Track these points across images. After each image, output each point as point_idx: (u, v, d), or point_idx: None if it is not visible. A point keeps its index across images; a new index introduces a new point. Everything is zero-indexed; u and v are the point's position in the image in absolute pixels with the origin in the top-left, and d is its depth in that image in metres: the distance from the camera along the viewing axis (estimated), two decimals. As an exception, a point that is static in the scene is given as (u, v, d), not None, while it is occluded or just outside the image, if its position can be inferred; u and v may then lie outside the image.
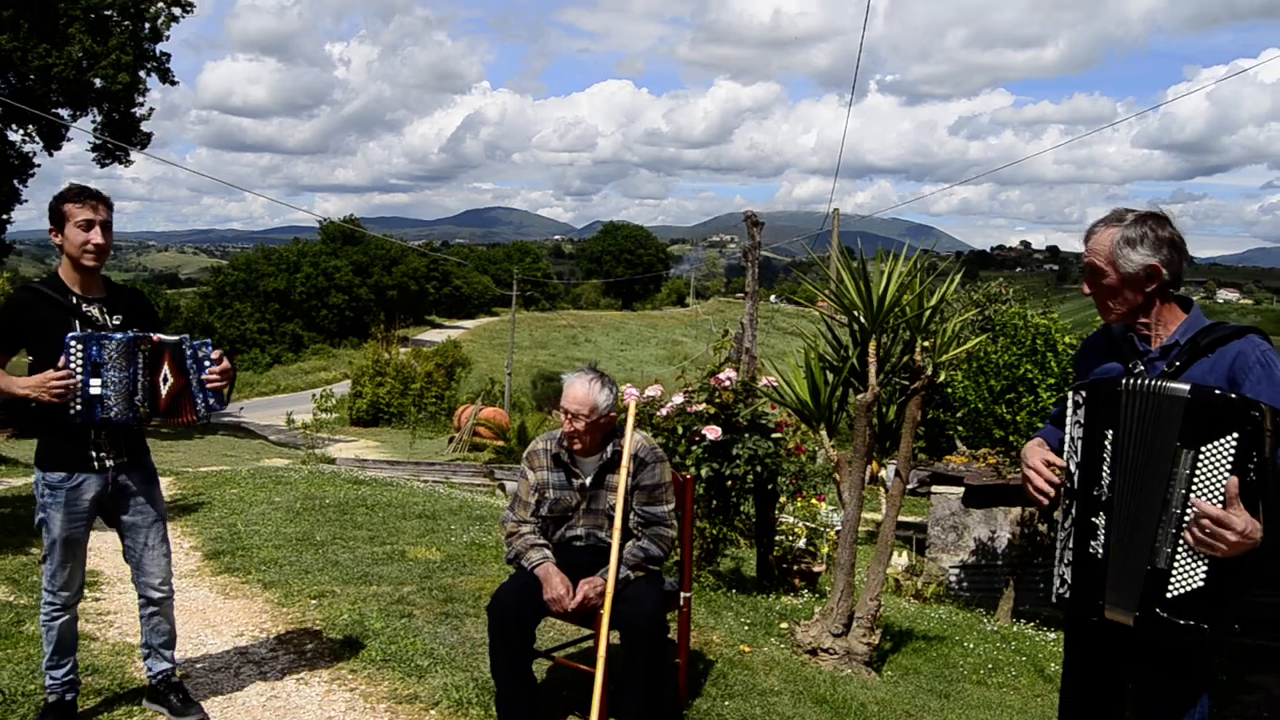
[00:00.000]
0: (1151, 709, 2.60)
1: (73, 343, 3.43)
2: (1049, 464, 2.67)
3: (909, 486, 18.00)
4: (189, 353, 3.63)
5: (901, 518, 16.86)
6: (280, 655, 4.66)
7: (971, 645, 7.02)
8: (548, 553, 3.75)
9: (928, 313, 5.48)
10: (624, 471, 3.74)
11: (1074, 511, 2.58)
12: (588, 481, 3.83)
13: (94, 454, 3.57)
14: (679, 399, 6.86)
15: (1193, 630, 2.36)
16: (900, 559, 12.21)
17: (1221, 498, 2.32)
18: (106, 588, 5.67)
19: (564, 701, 4.05)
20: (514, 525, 3.86)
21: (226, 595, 5.65)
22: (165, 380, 3.60)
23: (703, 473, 6.60)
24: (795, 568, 7.79)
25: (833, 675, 4.98)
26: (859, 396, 5.44)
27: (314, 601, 5.42)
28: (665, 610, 3.84)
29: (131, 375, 3.52)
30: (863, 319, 5.43)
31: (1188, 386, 2.40)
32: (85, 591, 3.98)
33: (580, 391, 3.74)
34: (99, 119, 28.93)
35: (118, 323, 3.64)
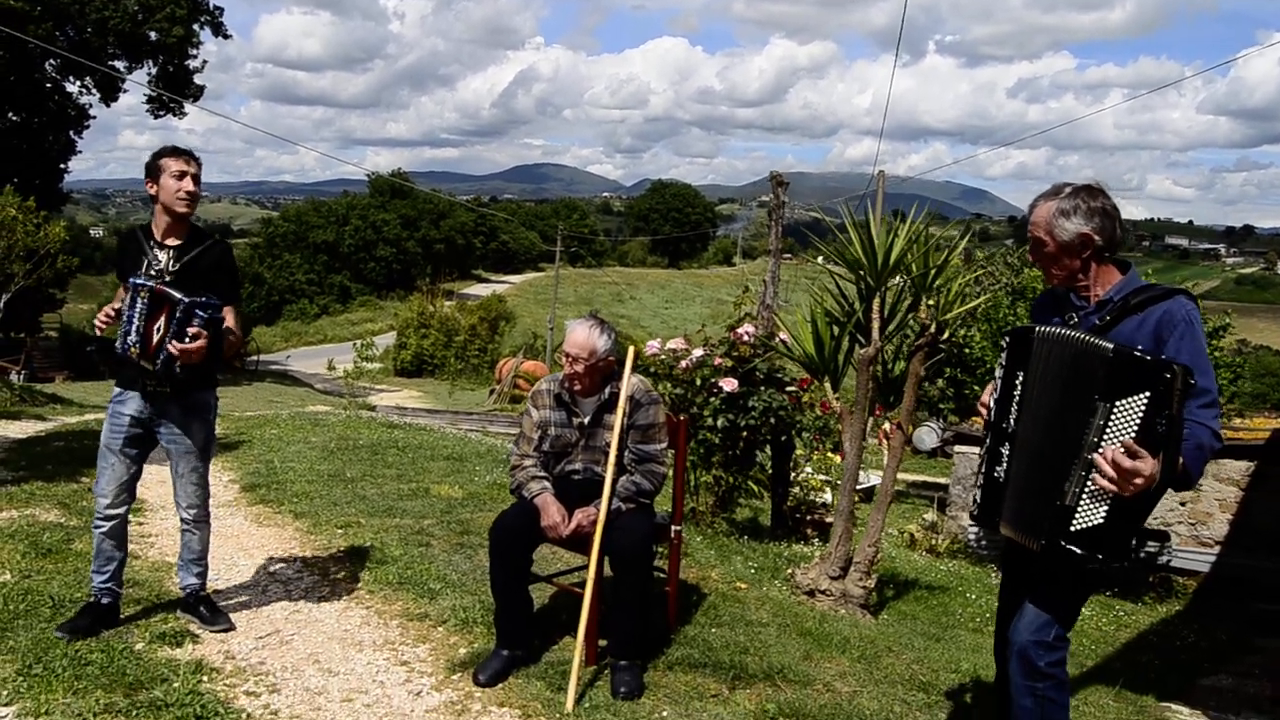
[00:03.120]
0: (1034, 594, 2.92)
1: (135, 282, 3.86)
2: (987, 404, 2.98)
3: (933, 447, 18.11)
4: (179, 315, 3.78)
5: (927, 478, 16.98)
6: (305, 576, 5.02)
7: (974, 597, 7.23)
8: (547, 484, 4.04)
9: (932, 272, 5.66)
10: (620, 412, 4.00)
11: (988, 440, 2.91)
12: (586, 420, 4.10)
13: (145, 380, 3.93)
14: (699, 352, 7.09)
15: (1089, 559, 2.64)
16: (929, 516, 12.36)
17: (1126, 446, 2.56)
18: (150, 514, 6.06)
19: (561, 623, 4.36)
20: (517, 459, 4.15)
21: (260, 523, 6.02)
22: (159, 330, 3.88)
23: (718, 423, 6.85)
24: (809, 518, 8.04)
25: (824, 614, 5.24)
26: (861, 350, 5.65)
27: (340, 531, 5.78)
28: (654, 540, 4.13)
29: (132, 316, 3.87)
30: (868, 277, 5.62)
31: (1112, 345, 2.64)
32: (131, 517, 4.31)
33: (581, 336, 4.01)
34: (154, 71, 29.48)
35: (175, 269, 3.97)
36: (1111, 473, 2.54)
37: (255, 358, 35.93)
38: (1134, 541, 2.70)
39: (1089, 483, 2.62)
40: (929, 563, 8.71)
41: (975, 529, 10.44)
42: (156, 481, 6.18)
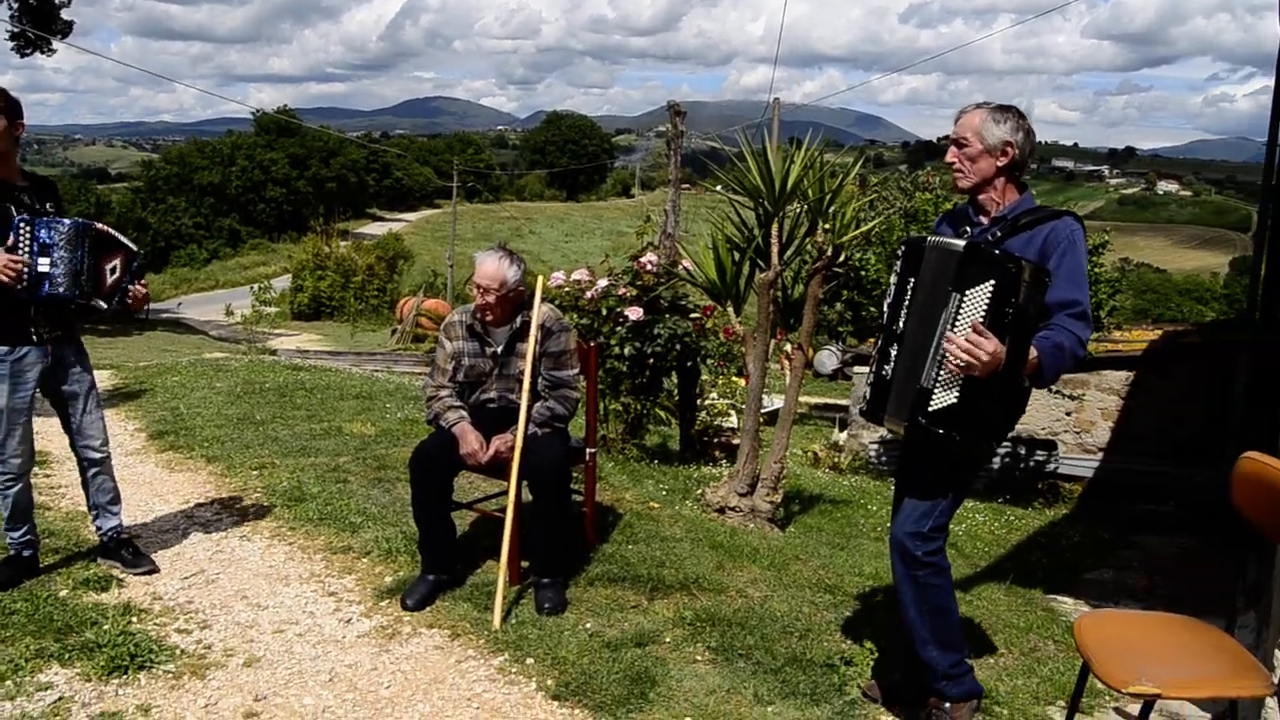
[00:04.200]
0: (912, 491, 3.16)
1: (21, 224, 3.72)
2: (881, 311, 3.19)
3: (833, 369, 18.59)
4: (136, 264, 4.00)
5: (829, 400, 17.43)
6: (224, 518, 5.06)
7: (875, 508, 7.58)
8: (464, 413, 4.15)
9: (828, 197, 5.84)
10: (532, 340, 4.11)
11: (879, 343, 3.12)
12: (499, 349, 4.21)
13: (33, 329, 3.87)
14: (604, 282, 7.20)
15: (947, 438, 2.87)
16: (839, 436, 12.74)
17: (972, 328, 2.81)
18: (55, 465, 5.98)
19: (484, 547, 4.51)
20: (433, 390, 4.24)
21: (172, 469, 6.00)
22: (113, 271, 3.92)
23: (625, 351, 6.99)
24: (716, 441, 8.29)
25: (735, 528, 5.47)
26: (761, 275, 5.83)
27: (255, 472, 5.80)
28: (570, 462, 4.29)
29: (79, 257, 3.82)
30: (766, 203, 5.79)
31: (963, 242, 2.89)
32: (36, 469, 4.29)
33: (490, 267, 4.09)
34: (15, 6, 27.92)
35: (51, 209, 3.92)
36: (957, 350, 2.77)
37: (145, 306, 34.73)
38: (1003, 431, 2.95)
39: (942, 365, 2.85)
40: (832, 479, 9.06)
41: (876, 445, 10.86)
42: (57, 433, 6.08)
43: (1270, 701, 2.59)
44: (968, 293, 2.81)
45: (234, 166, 68.64)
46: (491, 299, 4.11)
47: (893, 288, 3.09)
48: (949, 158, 3.19)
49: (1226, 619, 3.10)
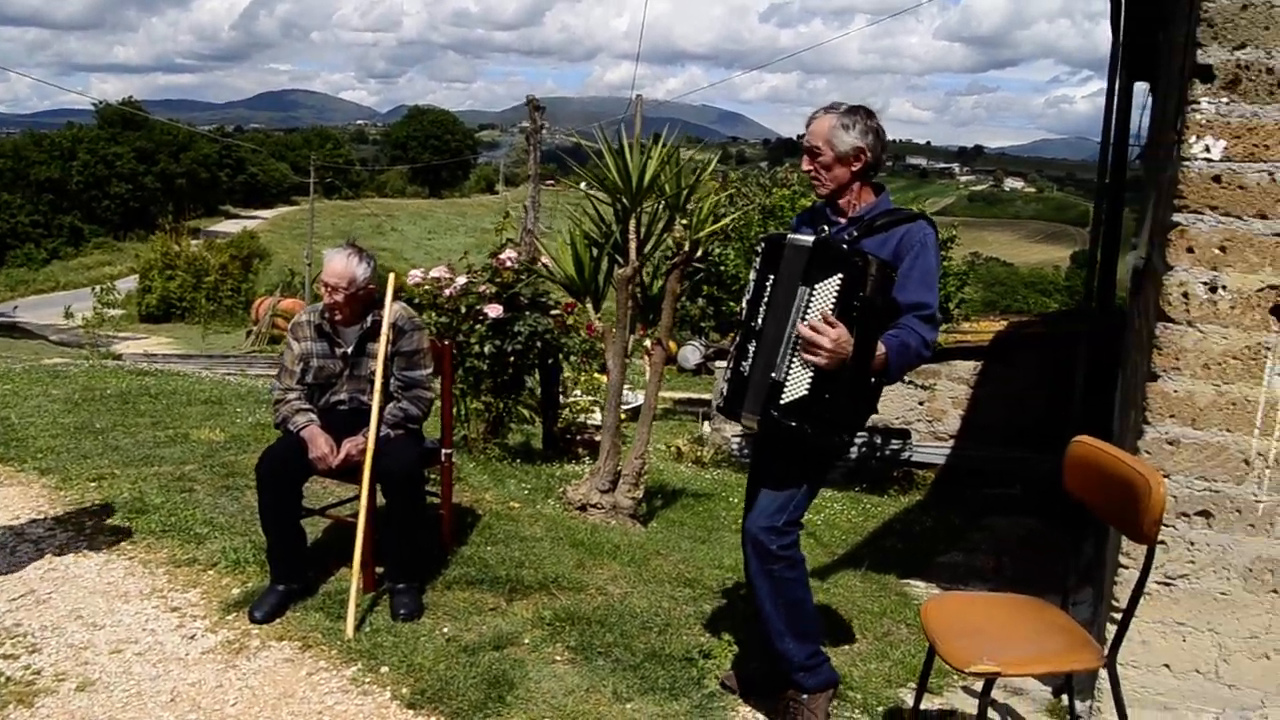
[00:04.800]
0: (765, 484, 3.18)
1: None
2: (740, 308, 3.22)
3: (696, 364, 18.80)
4: None
5: (692, 394, 17.61)
6: (58, 533, 4.77)
7: (736, 501, 7.65)
8: (313, 416, 4.01)
9: (685, 192, 5.88)
10: (384, 339, 4.01)
11: (738, 339, 3.14)
12: (349, 350, 4.09)
13: None
14: (463, 280, 7.09)
15: (797, 430, 2.91)
16: (704, 429, 12.85)
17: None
18: None
19: (337, 554, 4.36)
20: (280, 393, 4.09)
21: (0, 484, 5.65)
22: None
23: (485, 350, 6.91)
24: (579, 438, 8.26)
25: (596, 525, 5.46)
26: (620, 270, 5.83)
27: (93, 484, 5.50)
28: (424, 465, 4.21)
29: None
30: (623, 198, 5.79)
31: (812, 238, 2.96)
32: None
33: (339, 265, 3.97)
34: None
35: None
36: (807, 336, 2.82)
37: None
38: (855, 424, 3.01)
39: (792, 357, 2.90)
40: (695, 473, 9.15)
41: (739, 439, 11.01)
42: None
43: (1103, 672, 2.70)
44: (817, 286, 2.87)
45: (75, 160, 65.35)
46: (340, 298, 3.99)
47: (752, 284, 3.12)
48: (804, 167, 3.24)
49: (1062, 596, 3.23)
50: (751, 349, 3.06)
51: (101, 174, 65.70)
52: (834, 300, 2.83)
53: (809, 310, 2.87)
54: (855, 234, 3.07)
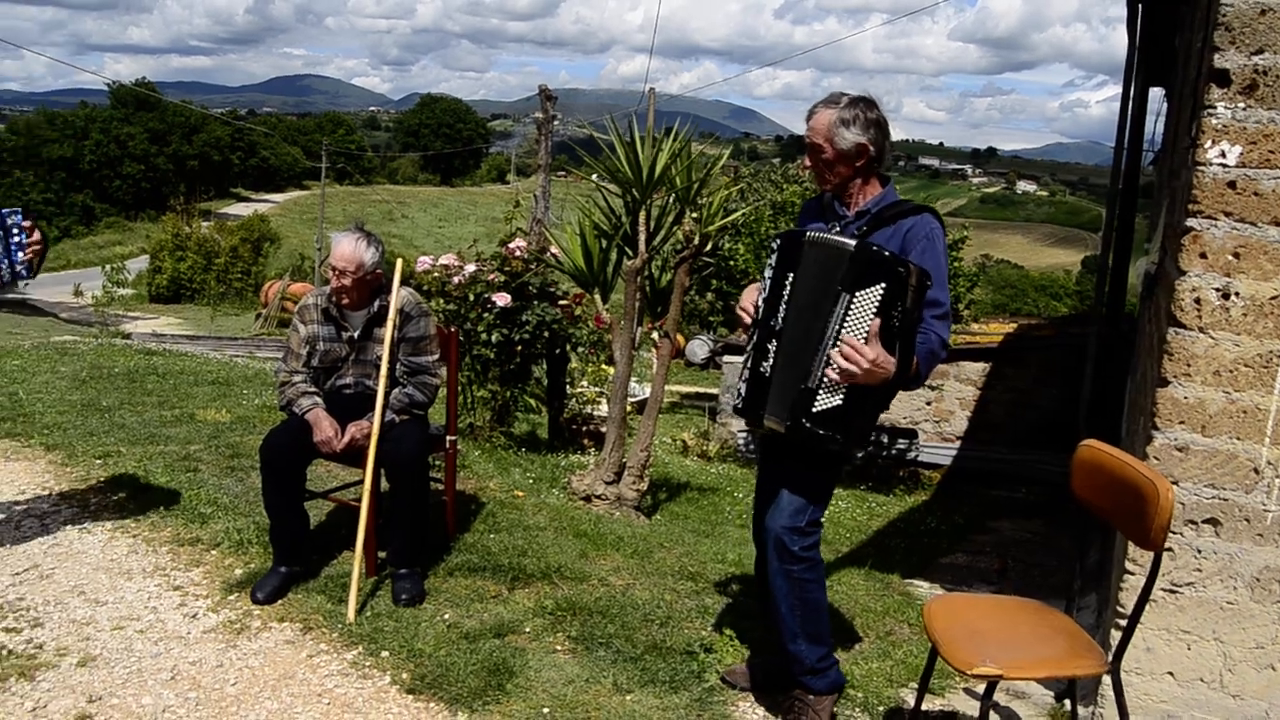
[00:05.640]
0: (785, 485, 3.13)
1: None
2: (756, 305, 3.16)
3: (704, 358, 18.77)
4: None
5: (700, 389, 17.59)
6: (63, 509, 4.78)
7: (741, 495, 7.67)
8: (318, 399, 4.01)
9: (695, 185, 5.86)
10: (390, 324, 4.00)
11: (755, 338, 3.09)
12: (356, 334, 4.08)
13: None
14: (472, 268, 7.09)
15: (829, 439, 2.89)
16: (720, 422, 12.82)
17: (866, 334, 2.80)
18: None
19: (340, 538, 4.38)
20: (286, 375, 4.09)
21: (7, 458, 5.65)
22: None
23: (493, 338, 6.90)
24: (585, 429, 8.25)
25: (600, 516, 5.45)
26: (628, 262, 5.82)
27: (99, 461, 5.51)
28: (428, 451, 4.20)
29: None
30: (634, 190, 5.78)
31: (854, 241, 2.87)
32: None
33: (347, 249, 3.96)
34: None
35: None
36: (846, 358, 2.78)
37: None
38: (874, 430, 2.98)
39: (828, 367, 2.85)
40: (700, 467, 9.14)
41: (745, 434, 10.99)
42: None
43: (1106, 678, 2.69)
44: (858, 294, 2.81)
45: (88, 140, 65.42)
46: (348, 281, 3.98)
47: (768, 282, 3.06)
48: (806, 164, 3.19)
49: (1066, 600, 3.21)
50: (772, 349, 3.01)
51: (114, 154, 65.77)
52: (875, 310, 2.79)
53: (848, 319, 2.82)
54: (865, 227, 3.03)
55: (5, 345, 10.33)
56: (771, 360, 3.01)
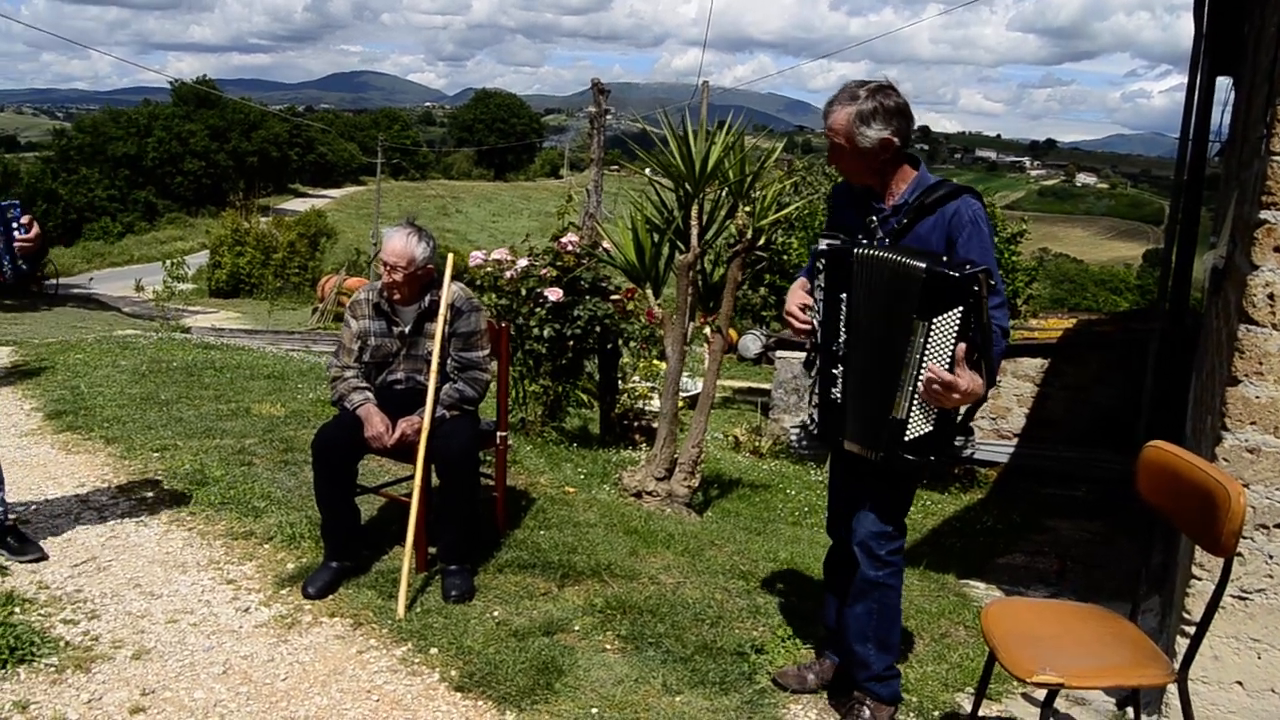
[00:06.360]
0: (870, 487, 3.07)
1: None
2: (804, 307, 3.07)
3: (757, 353, 18.66)
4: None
5: (753, 384, 17.49)
6: (121, 501, 4.85)
7: (794, 493, 7.60)
8: (369, 394, 4.01)
9: (749, 179, 5.79)
10: (441, 319, 3.99)
11: (819, 363, 3.02)
12: (407, 329, 4.08)
13: None
14: (524, 262, 7.09)
15: (923, 463, 2.86)
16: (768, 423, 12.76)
17: (950, 360, 2.72)
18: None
19: (391, 533, 4.38)
20: (338, 370, 4.10)
21: (68, 451, 5.75)
22: None
23: (545, 333, 6.90)
24: (637, 424, 8.23)
25: (651, 513, 5.41)
26: (680, 257, 5.77)
27: (156, 454, 5.58)
28: (479, 446, 4.18)
29: None
30: (686, 184, 5.72)
31: (924, 265, 2.72)
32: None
33: (399, 244, 3.96)
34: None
35: None
36: (937, 393, 2.73)
37: (54, 281, 33.61)
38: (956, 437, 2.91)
39: (916, 397, 2.79)
40: (752, 463, 9.08)
41: (797, 430, 10.90)
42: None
43: (1172, 687, 2.59)
44: (935, 320, 2.73)
45: (150, 137, 66.62)
46: (399, 277, 3.97)
47: (820, 303, 2.98)
48: (831, 162, 3.07)
49: (1131, 604, 3.11)
50: (838, 374, 2.96)
51: (176, 151, 66.91)
52: (955, 334, 2.71)
53: (929, 346, 2.75)
54: (905, 221, 2.92)
55: (69, 340, 10.55)
56: (841, 386, 2.96)
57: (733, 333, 17.42)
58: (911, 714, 3.29)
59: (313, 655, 3.41)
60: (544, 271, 7.01)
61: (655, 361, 8.64)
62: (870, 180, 3.00)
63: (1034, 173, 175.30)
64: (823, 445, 3.22)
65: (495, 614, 3.74)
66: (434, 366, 3.93)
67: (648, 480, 5.78)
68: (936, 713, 3.31)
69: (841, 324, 2.93)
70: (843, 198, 3.20)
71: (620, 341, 7.51)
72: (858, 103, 2.86)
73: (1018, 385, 9.45)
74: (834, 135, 2.92)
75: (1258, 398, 2.92)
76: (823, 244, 2.98)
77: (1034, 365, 9.40)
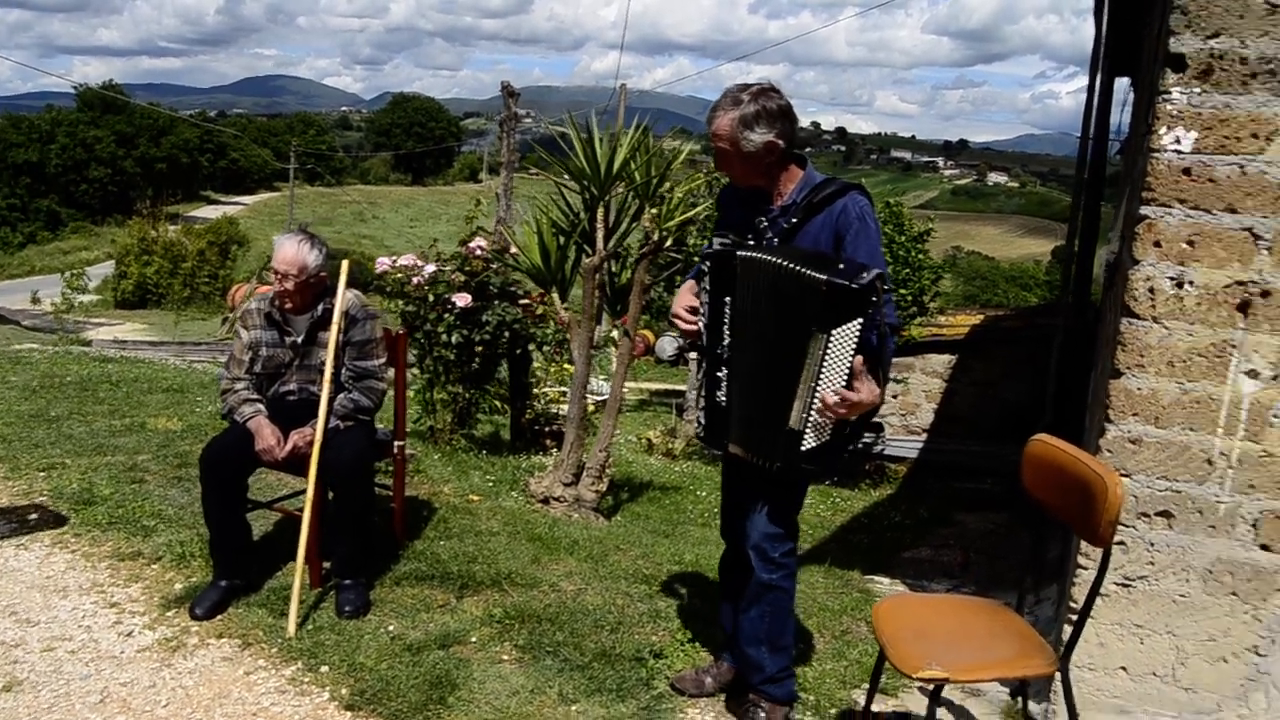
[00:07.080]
0: (757, 500, 3.05)
1: None
2: (691, 309, 3.05)
3: (673, 355, 18.71)
4: None
5: (669, 385, 17.47)
6: (1, 526, 4.64)
7: (704, 494, 7.58)
8: (260, 406, 3.90)
9: (654, 181, 5.77)
10: (334, 328, 3.89)
11: (704, 365, 3.01)
12: (300, 339, 3.97)
13: None
14: (431, 268, 6.97)
15: (817, 470, 2.87)
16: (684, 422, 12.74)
17: (848, 371, 2.71)
18: None
19: (284, 549, 4.24)
20: (228, 382, 3.98)
21: (-52, 473, 5.50)
22: None
23: (453, 339, 6.79)
24: (548, 429, 8.15)
25: (557, 519, 5.35)
26: (586, 260, 5.72)
27: (42, 474, 5.36)
28: (373, 457, 4.09)
29: None
30: (591, 186, 5.68)
31: (824, 277, 2.67)
32: None
33: (290, 252, 3.85)
34: None
35: None
36: (835, 406, 2.72)
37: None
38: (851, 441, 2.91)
39: (814, 409, 2.77)
40: (665, 465, 9.05)
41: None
42: None
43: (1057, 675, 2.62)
44: (834, 333, 2.70)
45: (54, 144, 64.62)
46: (290, 285, 3.87)
47: (705, 305, 2.95)
48: (717, 168, 3.07)
49: (1018, 597, 3.15)
50: (722, 377, 2.94)
51: (80, 157, 65.00)
52: (855, 345, 2.69)
53: (827, 358, 2.71)
54: (795, 220, 2.92)
55: (-41, 355, 10.12)
56: (726, 390, 2.95)
57: (650, 335, 17.42)
58: (809, 712, 3.29)
59: (197, 679, 3.28)
60: (452, 277, 6.91)
61: (567, 366, 8.57)
62: (758, 182, 2.99)
63: (947, 173, 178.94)
64: (708, 448, 3.21)
65: (390, 628, 3.65)
66: (327, 376, 3.83)
67: (555, 486, 5.72)
68: (833, 710, 3.32)
69: (726, 327, 2.91)
70: (731, 198, 3.18)
71: (531, 346, 7.44)
72: (740, 107, 2.85)
73: (926, 381, 9.58)
74: (719, 141, 2.90)
75: (1139, 389, 2.97)
76: (716, 243, 2.96)
77: (942, 361, 9.53)
